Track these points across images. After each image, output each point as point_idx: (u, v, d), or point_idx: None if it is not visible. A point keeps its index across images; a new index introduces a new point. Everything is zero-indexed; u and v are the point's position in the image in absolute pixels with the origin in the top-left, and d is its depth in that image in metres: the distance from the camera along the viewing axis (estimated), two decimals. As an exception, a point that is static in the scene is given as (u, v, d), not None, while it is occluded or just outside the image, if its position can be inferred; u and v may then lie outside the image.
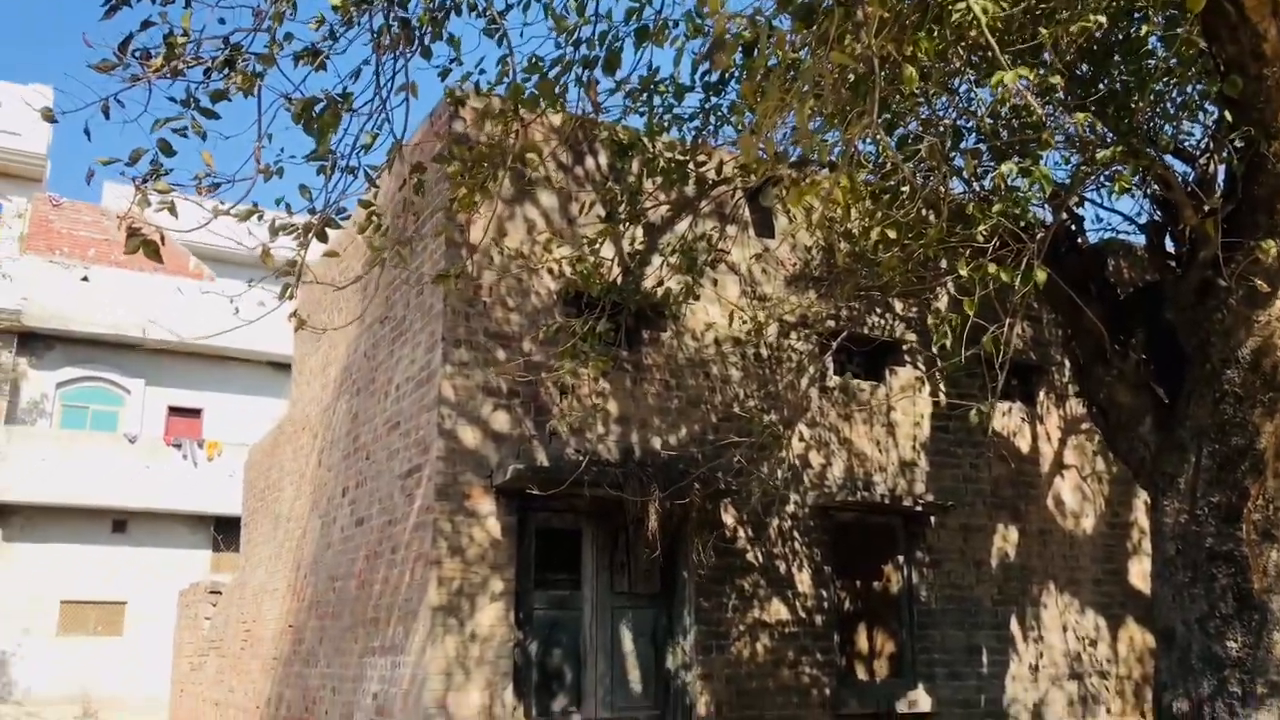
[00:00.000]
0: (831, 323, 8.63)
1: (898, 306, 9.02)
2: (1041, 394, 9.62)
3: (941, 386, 9.06)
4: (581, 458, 7.35)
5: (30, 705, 22.02)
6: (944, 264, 6.84)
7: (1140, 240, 10.30)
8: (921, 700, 8.14)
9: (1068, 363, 9.63)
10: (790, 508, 8.14)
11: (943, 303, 9.08)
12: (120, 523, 23.77)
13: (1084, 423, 9.69)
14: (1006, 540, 8.96)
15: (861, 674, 8.22)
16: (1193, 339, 5.27)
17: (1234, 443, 5.09)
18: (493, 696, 6.74)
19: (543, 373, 7.28)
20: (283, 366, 24.46)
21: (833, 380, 8.66)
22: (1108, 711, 9.13)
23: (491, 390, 7.28)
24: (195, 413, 25.84)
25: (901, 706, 8.03)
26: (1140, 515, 9.74)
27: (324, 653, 8.94)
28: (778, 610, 7.87)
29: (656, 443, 7.76)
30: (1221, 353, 5.11)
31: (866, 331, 8.81)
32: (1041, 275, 4.64)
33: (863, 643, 8.31)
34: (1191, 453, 5.27)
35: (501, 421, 7.26)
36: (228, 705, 12.57)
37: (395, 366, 8.09)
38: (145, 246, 4.41)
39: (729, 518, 7.88)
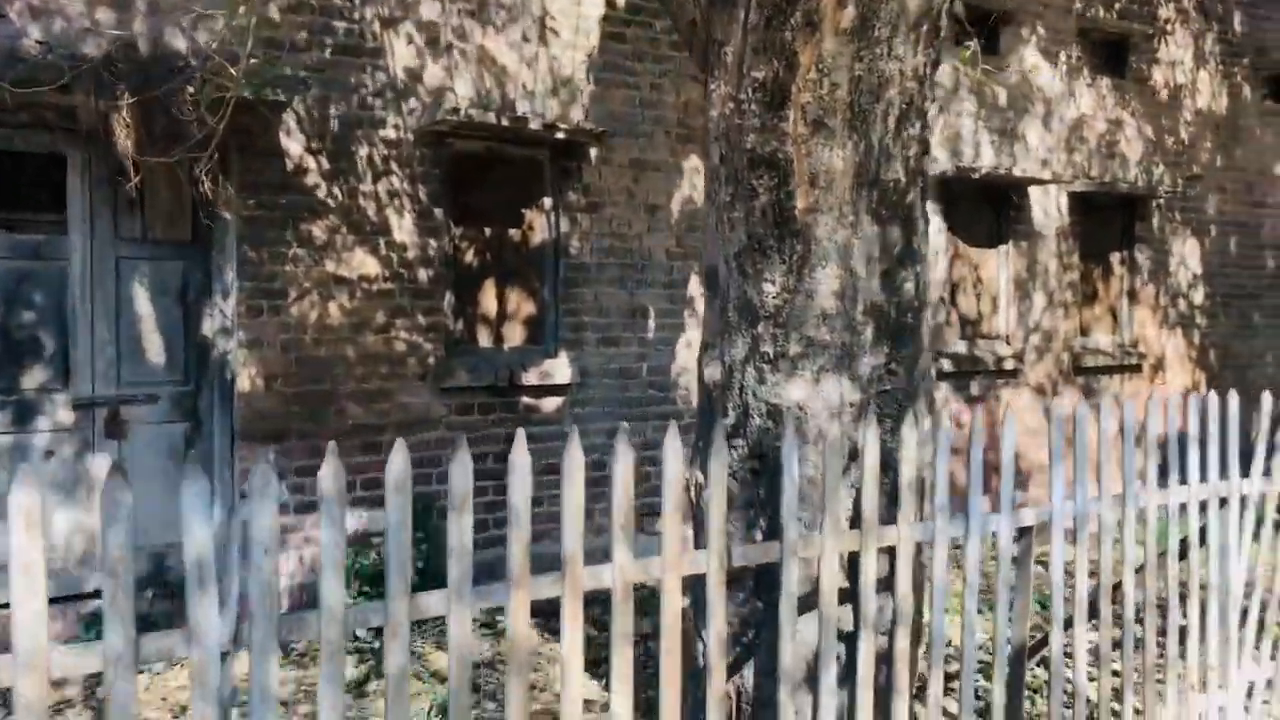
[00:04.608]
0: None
1: None
2: None
3: (618, -19, 7.01)
4: (46, 49, 5.29)
5: None
6: None
7: None
8: (558, 370, 6.74)
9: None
10: (388, 131, 6.27)
11: None
12: None
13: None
14: (693, 182, 7.30)
15: (485, 341, 6.74)
16: None
17: (784, -20, 3.29)
18: (-89, 371, 5.05)
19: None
20: None
21: (460, -35, 6.54)
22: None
23: (-110, -52, 5.02)
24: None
25: (530, 378, 6.63)
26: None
27: None
28: (363, 263, 6.19)
29: (180, 39, 5.67)
30: None
31: (506, -102, 6.58)
32: None
33: (490, 304, 6.77)
34: (742, 6, 3.46)
35: (-92, -5, 5.07)
36: None
37: None
38: None
39: (294, 143, 5.99)
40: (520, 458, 2.66)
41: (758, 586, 3.57)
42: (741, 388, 3.64)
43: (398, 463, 2.49)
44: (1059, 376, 9.07)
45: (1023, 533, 3.74)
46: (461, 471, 2.58)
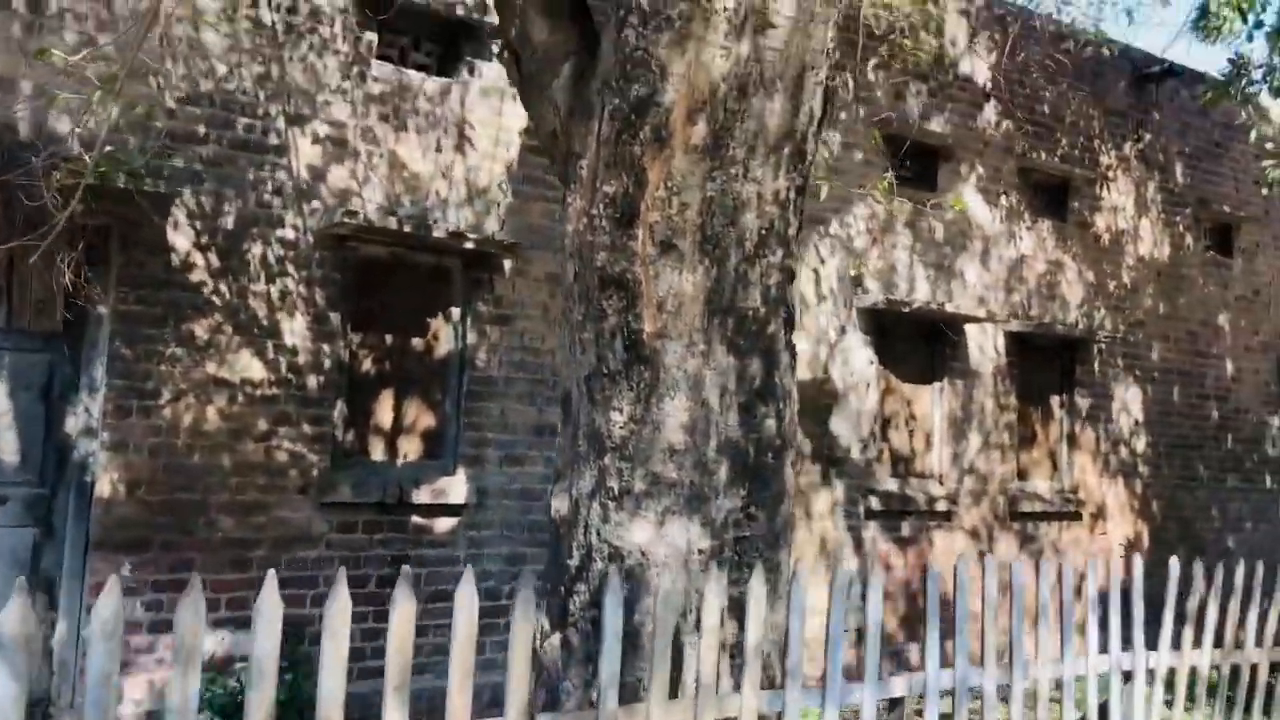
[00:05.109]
0: (380, -12, 6.30)
1: (487, -22, 6.70)
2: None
3: (544, 95, 6.89)
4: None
5: None
6: None
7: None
8: (454, 488, 6.36)
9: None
10: (286, 231, 6.02)
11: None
12: None
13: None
14: (612, 299, 7.05)
15: (379, 454, 6.37)
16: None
17: (635, 94, 3.06)
18: None
19: None
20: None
21: (378, 69, 6.40)
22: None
23: None
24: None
25: (422, 496, 6.24)
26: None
27: None
28: (248, 366, 5.86)
29: (64, 123, 5.44)
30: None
31: (431, 3, 6.50)
32: None
33: (386, 415, 6.43)
34: (597, 117, 3.25)
35: None
36: None
37: None
38: None
39: (181, 238, 5.71)
40: (268, 602, 2.30)
41: (587, 755, 3.16)
42: (586, 526, 3.30)
43: (107, 606, 2.13)
44: (994, 521, 8.75)
45: (893, 704, 3.36)
46: (191, 616, 2.21)
